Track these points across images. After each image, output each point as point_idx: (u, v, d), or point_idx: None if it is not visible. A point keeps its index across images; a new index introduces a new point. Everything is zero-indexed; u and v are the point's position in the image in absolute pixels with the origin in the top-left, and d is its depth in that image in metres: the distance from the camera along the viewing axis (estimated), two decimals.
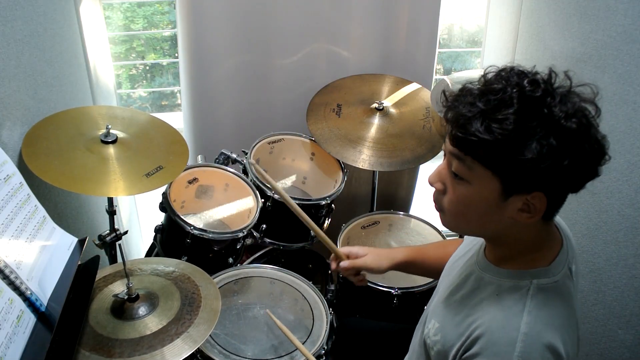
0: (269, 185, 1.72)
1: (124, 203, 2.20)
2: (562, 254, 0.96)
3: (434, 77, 2.22)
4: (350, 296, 1.75)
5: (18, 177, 1.09)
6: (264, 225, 1.79)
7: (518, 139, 0.81)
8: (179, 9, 1.90)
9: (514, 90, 0.83)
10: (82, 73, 1.85)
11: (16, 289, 0.95)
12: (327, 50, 2.07)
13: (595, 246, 1.79)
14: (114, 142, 1.43)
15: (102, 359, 1.09)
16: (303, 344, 1.43)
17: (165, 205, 1.62)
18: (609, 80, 1.62)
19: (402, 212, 1.99)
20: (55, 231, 1.16)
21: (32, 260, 1.03)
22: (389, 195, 2.40)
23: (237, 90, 2.08)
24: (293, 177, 2.03)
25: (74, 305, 1.07)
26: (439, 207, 0.97)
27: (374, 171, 2.03)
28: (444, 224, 0.99)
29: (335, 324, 1.54)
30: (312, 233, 1.84)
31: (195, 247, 1.60)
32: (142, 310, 1.21)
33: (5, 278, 0.93)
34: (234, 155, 1.87)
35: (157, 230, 1.70)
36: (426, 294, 1.68)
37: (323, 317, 1.52)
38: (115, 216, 1.53)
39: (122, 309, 1.21)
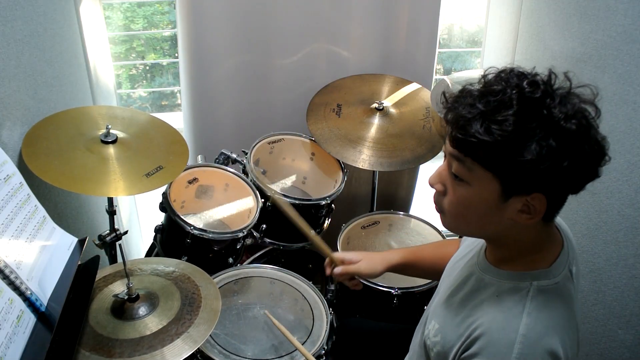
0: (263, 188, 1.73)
1: (124, 203, 2.20)
2: (562, 255, 0.96)
3: (434, 77, 2.22)
4: (350, 296, 1.75)
5: (18, 177, 1.09)
6: (264, 225, 1.79)
7: (517, 141, 0.81)
8: (179, 9, 1.90)
9: (514, 91, 0.83)
10: (82, 73, 1.85)
11: (16, 289, 0.95)
12: (327, 50, 2.07)
13: (595, 246, 1.79)
14: (114, 142, 1.43)
15: (102, 359, 1.09)
16: (303, 344, 1.43)
17: (165, 205, 1.62)
18: (609, 80, 1.62)
19: (402, 212, 1.99)
20: (55, 231, 1.16)
21: (32, 260, 1.03)
22: (389, 195, 2.40)
23: (237, 90, 2.08)
24: (293, 177, 2.03)
25: (74, 305, 1.07)
26: (440, 208, 0.97)
27: (374, 171, 2.03)
28: (445, 225, 0.99)
29: (335, 324, 1.54)
30: (312, 233, 1.84)
31: (195, 247, 1.60)
32: (142, 310, 1.21)
33: (5, 278, 0.93)
34: (234, 155, 1.87)
35: (157, 230, 1.70)
36: (426, 294, 1.68)
37: (323, 317, 1.52)
38: (115, 216, 1.53)
39: (122, 309, 1.21)
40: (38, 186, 1.28)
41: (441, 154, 1.91)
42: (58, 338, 0.97)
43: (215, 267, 1.62)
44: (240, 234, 1.64)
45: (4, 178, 1.04)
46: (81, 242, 1.19)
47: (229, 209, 1.81)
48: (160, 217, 1.72)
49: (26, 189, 1.11)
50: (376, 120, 1.93)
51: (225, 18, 1.93)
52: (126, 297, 1.21)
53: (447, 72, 2.70)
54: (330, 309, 1.54)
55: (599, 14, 1.63)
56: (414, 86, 2.08)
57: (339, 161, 1.93)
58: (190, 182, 1.77)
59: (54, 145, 1.37)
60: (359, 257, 1.35)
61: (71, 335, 1.03)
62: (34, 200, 1.12)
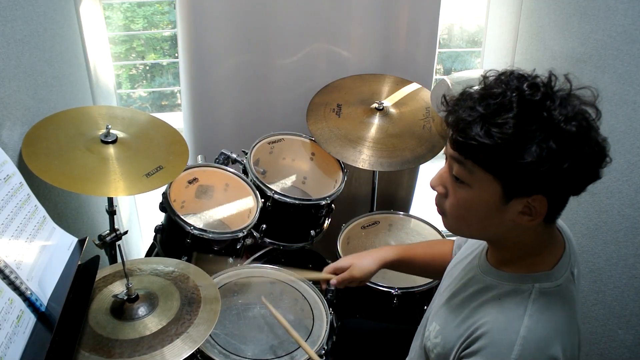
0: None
1: (124, 203, 2.20)
2: (564, 257, 0.96)
3: (434, 77, 2.21)
4: (351, 296, 1.75)
5: (18, 177, 1.09)
6: (264, 225, 1.79)
7: (518, 143, 0.81)
8: (179, 9, 1.90)
9: (514, 94, 0.84)
10: (82, 73, 1.85)
11: (16, 289, 0.95)
12: (327, 50, 2.07)
13: (595, 246, 1.79)
14: (114, 142, 1.43)
15: (101, 359, 1.09)
16: None
17: (165, 205, 1.62)
18: (609, 80, 1.62)
19: (402, 212, 1.99)
20: (55, 231, 1.16)
21: (32, 260, 1.03)
22: (389, 195, 2.40)
23: (237, 90, 2.08)
24: (293, 177, 2.03)
25: (74, 305, 1.07)
26: (441, 210, 0.98)
27: (374, 171, 2.03)
28: (446, 227, 0.99)
29: (335, 324, 1.54)
30: (312, 234, 1.85)
31: (195, 247, 1.60)
32: (141, 310, 1.21)
33: (5, 278, 0.93)
34: (234, 155, 1.87)
35: (157, 230, 1.70)
36: (426, 294, 1.68)
37: (323, 317, 1.52)
38: (115, 216, 1.53)
39: (121, 309, 1.21)
40: (38, 186, 1.28)
41: (441, 154, 1.92)
42: (58, 338, 0.97)
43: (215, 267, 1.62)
44: (240, 234, 1.63)
45: (4, 178, 1.04)
46: (81, 242, 1.19)
47: (229, 209, 1.81)
48: (160, 217, 1.72)
49: (26, 189, 1.11)
50: (376, 120, 1.93)
51: (225, 18, 1.93)
52: (126, 298, 1.21)
53: (447, 72, 2.70)
54: (330, 309, 1.54)
55: (599, 14, 1.63)
56: (414, 86, 2.08)
57: (339, 161, 1.93)
58: (190, 182, 1.77)
59: (54, 145, 1.37)
60: (348, 263, 1.37)
61: (71, 335, 1.03)
62: (34, 200, 1.12)
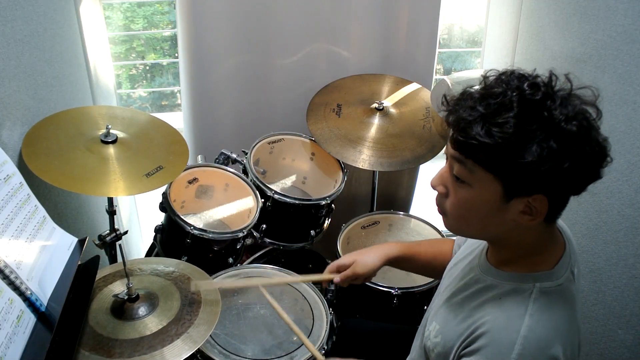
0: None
1: (124, 203, 2.20)
2: (565, 257, 0.96)
3: (434, 77, 2.21)
4: (350, 296, 1.75)
5: (18, 177, 1.09)
6: (264, 225, 1.79)
7: (518, 142, 0.81)
8: (179, 9, 1.90)
9: (514, 93, 0.84)
10: (82, 73, 1.85)
11: (16, 289, 0.95)
12: (327, 50, 2.07)
13: (595, 246, 1.79)
14: (114, 142, 1.43)
15: (102, 359, 1.09)
16: (302, 344, 1.43)
17: (165, 205, 1.62)
18: (609, 80, 1.62)
19: (402, 212, 1.99)
20: (55, 231, 1.16)
21: (32, 260, 1.03)
22: (389, 195, 2.40)
23: (237, 90, 2.08)
24: (293, 177, 2.03)
25: (74, 305, 1.07)
26: (442, 210, 0.97)
27: (374, 171, 2.03)
28: (447, 227, 0.99)
29: (335, 324, 1.54)
30: (312, 234, 1.85)
31: (195, 247, 1.60)
32: (142, 310, 1.21)
33: (5, 278, 0.93)
34: (234, 155, 1.87)
35: (157, 230, 1.70)
36: (426, 294, 1.68)
37: (323, 317, 1.52)
38: (115, 216, 1.53)
39: (122, 309, 1.21)
40: (38, 186, 1.27)
41: (441, 154, 1.92)
42: (58, 338, 0.97)
43: (215, 267, 1.62)
44: (240, 234, 1.64)
45: (4, 178, 1.04)
46: (81, 242, 1.19)
47: (229, 209, 1.81)
48: (160, 217, 1.72)
49: (26, 189, 1.11)
50: (376, 120, 1.93)
51: (225, 18, 1.93)
52: (126, 297, 1.21)
53: (447, 72, 2.70)
54: (330, 309, 1.54)
55: (599, 14, 1.63)
56: (414, 86, 2.08)
57: (339, 161, 1.93)
58: (190, 182, 1.77)
59: (54, 145, 1.37)
60: (350, 260, 1.35)
61: (71, 335, 1.03)
62: (34, 200, 1.12)
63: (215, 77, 2.02)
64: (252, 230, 1.73)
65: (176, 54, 2.18)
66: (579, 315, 0.96)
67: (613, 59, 1.61)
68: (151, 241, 1.84)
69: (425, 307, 1.24)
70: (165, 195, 1.62)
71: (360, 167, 1.82)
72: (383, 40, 2.08)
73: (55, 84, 1.57)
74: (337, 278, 1.35)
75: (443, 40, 2.63)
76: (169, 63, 2.58)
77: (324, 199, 1.80)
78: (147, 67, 2.61)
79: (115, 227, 1.50)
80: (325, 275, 1.40)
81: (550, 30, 1.87)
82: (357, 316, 1.74)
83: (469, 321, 0.95)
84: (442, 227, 1.87)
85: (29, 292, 0.97)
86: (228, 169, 1.82)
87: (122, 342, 1.13)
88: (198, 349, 1.20)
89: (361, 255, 1.35)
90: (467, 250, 1.13)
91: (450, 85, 1.82)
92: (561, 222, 1.01)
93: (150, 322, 1.19)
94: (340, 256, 1.71)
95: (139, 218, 2.42)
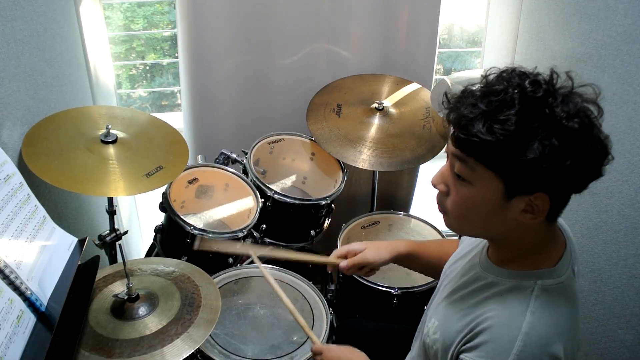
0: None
1: (124, 203, 2.19)
2: (566, 255, 0.96)
3: (434, 77, 2.22)
4: (350, 296, 1.75)
5: (18, 177, 1.09)
6: (264, 225, 1.79)
7: (520, 140, 0.81)
8: (179, 9, 1.90)
9: (516, 91, 0.83)
10: (82, 73, 1.85)
11: (16, 289, 0.95)
12: (327, 50, 2.07)
13: (595, 246, 1.79)
14: (114, 142, 1.43)
15: (102, 359, 1.09)
16: (303, 344, 1.43)
17: (165, 205, 1.62)
18: (609, 80, 1.62)
19: (402, 212, 1.99)
20: (55, 231, 1.16)
21: (32, 260, 1.03)
22: (389, 195, 2.40)
23: (237, 90, 2.08)
24: (293, 177, 2.03)
25: (74, 305, 1.07)
26: (443, 209, 0.97)
27: (374, 171, 2.03)
28: (448, 225, 0.99)
29: (335, 324, 1.54)
30: (312, 233, 1.85)
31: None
32: (142, 310, 1.21)
33: (5, 278, 0.93)
34: (234, 155, 1.87)
35: (157, 230, 1.70)
36: (426, 294, 1.68)
37: (323, 317, 1.52)
38: (115, 216, 1.53)
39: (122, 309, 1.21)
40: (38, 186, 1.27)
41: (441, 154, 1.92)
42: (58, 338, 0.97)
43: (215, 267, 1.62)
44: (240, 234, 1.63)
45: (4, 178, 1.04)
46: (81, 242, 1.19)
47: (229, 209, 1.81)
48: (160, 217, 1.72)
49: (26, 189, 1.10)
50: (376, 120, 1.93)
51: (225, 18, 1.93)
52: (126, 297, 1.21)
53: (447, 72, 2.70)
54: (330, 309, 1.54)
55: (599, 14, 1.63)
56: (414, 86, 2.08)
57: (339, 161, 1.93)
58: (190, 182, 1.77)
59: (54, 145, 1.37)
60: (363, 246, 1.34)
61: (71, 335, 1.03)
62: (34, 200, 1.12)
63: (215, 77, 2.02)
64: (252, 230, 1.72)
65: (176, 54, 2.18)
66: (579, 314, 0.96)
67: (613, 59, 1.61)
68: (151, 241, 1.84)
69: (425, 307, 1.24)
70: (165, 195, 1.62)
71: (360, 167, 1.82)
72: (383, 40, 2.08)
73: (55, 84, 1.57)
74: (343, 263, 1.33)
75: (443, 40, 2.63)
76: (169, 63, 2.58)
77: (324, 199, 1.80)
78: (147, 67, 2.61)
79: (115, 227, 1.50)
80: (331, 259, 1.37)
81: (550, 30, 1.87)
82: (357, 316, 1.74)
83: (469, 318, 0.95)
84: (442, 227, 1.89)
85: (29, 292, 0.97)
86: (228, 169, 1.82)
87: (122, 342, 1.13)
88: (198, 348, 1.20)
89: (374, 244, 1.35)
90: (467, 248, 1.13)
91: (450, 85, 1.82)
92: (561, 220, 1.01)
93: (150, 322, 1.19)
94: None
95: (139, 218, 2.42)
